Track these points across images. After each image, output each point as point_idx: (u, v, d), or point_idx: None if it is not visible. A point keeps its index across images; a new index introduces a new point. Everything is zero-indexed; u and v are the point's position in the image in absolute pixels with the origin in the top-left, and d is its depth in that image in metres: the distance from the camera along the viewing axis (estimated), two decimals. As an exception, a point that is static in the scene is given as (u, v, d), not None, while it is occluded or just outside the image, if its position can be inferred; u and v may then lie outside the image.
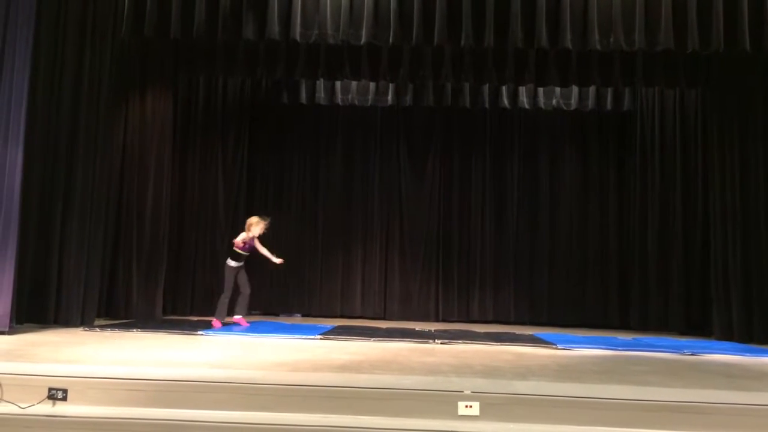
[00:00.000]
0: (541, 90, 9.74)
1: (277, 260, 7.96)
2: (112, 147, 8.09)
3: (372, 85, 9.81)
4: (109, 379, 4.32)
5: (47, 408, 4.17)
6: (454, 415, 4.16)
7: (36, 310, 6.91)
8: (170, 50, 8.71)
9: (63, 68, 7.19)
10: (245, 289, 7.89)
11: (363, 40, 7.37)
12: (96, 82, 7.31)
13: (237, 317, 7.82)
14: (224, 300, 7.73)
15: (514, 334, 8.10)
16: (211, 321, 7.64)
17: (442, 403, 4.21)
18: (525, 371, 4.99)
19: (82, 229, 7.17)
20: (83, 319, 7.05)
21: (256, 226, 7.80)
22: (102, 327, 7.04)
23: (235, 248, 7.76)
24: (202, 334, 6.84)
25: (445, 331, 8.16)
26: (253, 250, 7.89)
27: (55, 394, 4.20)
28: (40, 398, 4.19)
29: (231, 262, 7.76)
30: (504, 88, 9.76)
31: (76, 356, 4.97)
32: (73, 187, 7.15)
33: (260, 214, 8.23)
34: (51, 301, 6.98)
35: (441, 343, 6.76)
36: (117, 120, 8.26)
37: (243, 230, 7.88)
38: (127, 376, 4.35)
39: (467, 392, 4.24)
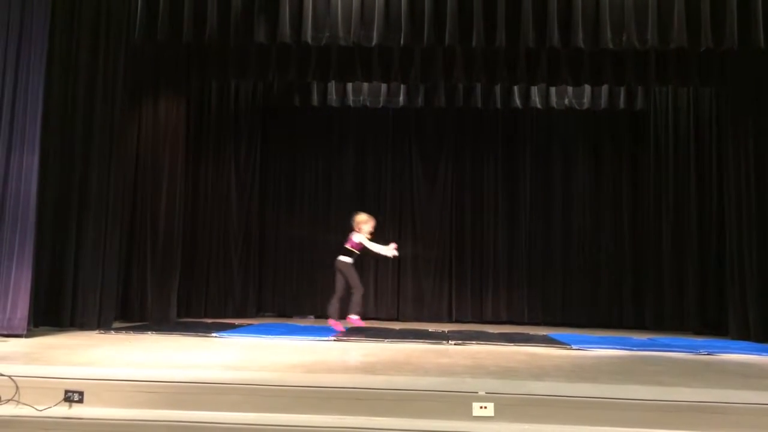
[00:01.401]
0: (553, 89, 9.70)
1: (391, 252, 7.71)
2: (126, 151, 8.14)
3: (383, 86, 9.81)
4: (124, 382, 4.35)
5: (63, 410, 4.20)
6: (468, 416, 4.15)
7: (52, 314, 6.96)
8: (183, 54, 8.75)
9: (77, 73, 7.24)
10: (351, 287, 7.62)
11: (374, 41, 7.37)
12: (109, 86, 7.36)
13: (353, 317, 7.55)
14: (358, 298, 7.53)
15: (527, 334, 8.07)
16: (326, 321, 7.52)
17: (456, 404, 4.19)
18: (539, 372, 4.98)
19: (98, 232, 7.22)
20: (100, 322, 7.09)
21: (366, 224, 7.68)
22: (117, 329, 7.08)
23: (350, 247, 7.63)
24: (216, 337, 6.86)
25: (458, 331, 8.14)
26: (364, 249, 7.72)
27: (71, 397, 4.23)
28: (56, 400, 4.22)
29: (346, 259, 7.56)
30: (516, 88, 9.72)
31: (92, 359, 5.01)
32: (88, 192, 7.20)
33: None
34: (67, 305, 7.02)
35: (454, 344, 6.75)
36: (131, 124, 8.31)
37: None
38: (142, 378, 4.38)
39: (482, 393, 4.23)
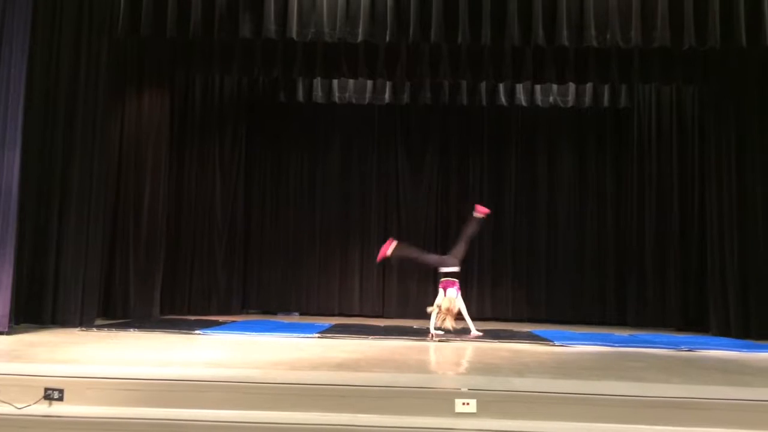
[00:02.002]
0: (538, 87, 9.73)
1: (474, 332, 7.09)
2: (109, 146, 8.07)
3: (369, 83, 9.79)
4: (105, 379, 4.31)
5: (43, 408, 4.16)
6: (451, 412, 4.15)
7: (34, 311, 6.89)
8: (167, 49, 8.67)
9: (59, 67, 7.16)
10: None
11: (360, 38, 7.35)
12: (92, 80, 7.28)
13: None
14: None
15: (511, 331, 8.10)
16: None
17: (439, 400, 4.20)
18: (522, 368, 5.00)
19: (80, 228, 7.15)
20: (82, 319, 7.01)
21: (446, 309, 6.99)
22: (99, 327, 7.02)
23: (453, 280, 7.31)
24: (199, 334, 6.82)
25: (443, 328, 8.13)
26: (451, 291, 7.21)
27: (52, 395, 4.18)
28: (36, 398, 4.18)
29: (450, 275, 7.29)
30: (501, 86, 9.73)
31: (73, 356, 4.96)
32: (70, 187, 7.13)
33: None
34: (48, 301, 6.95)
35: (438, 341, 6.76)
36: (114, 119, 8.24)
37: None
38: (124, 376, 4.34)
39: (464, 389, 4.24)
